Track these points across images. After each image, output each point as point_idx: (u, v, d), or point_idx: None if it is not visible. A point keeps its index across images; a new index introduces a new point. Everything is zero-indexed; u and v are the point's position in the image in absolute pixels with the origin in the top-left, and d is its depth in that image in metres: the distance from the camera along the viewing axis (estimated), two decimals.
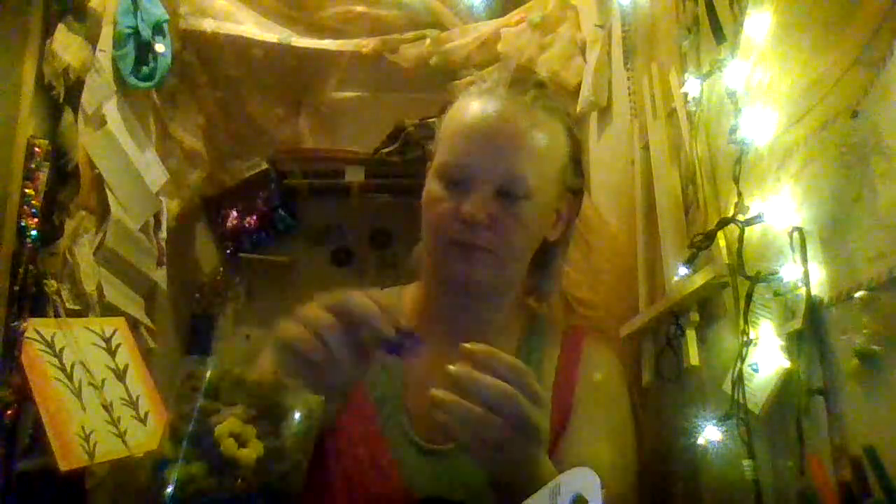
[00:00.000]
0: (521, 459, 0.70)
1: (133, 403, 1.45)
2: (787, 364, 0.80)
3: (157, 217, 1.84)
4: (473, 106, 0.93)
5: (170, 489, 0.85)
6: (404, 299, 1.05)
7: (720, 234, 0.94)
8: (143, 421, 1.45)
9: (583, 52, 1.71)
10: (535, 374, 0.87)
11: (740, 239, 0.87)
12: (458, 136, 0.93)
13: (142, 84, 1.74)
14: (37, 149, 1.50)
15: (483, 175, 0.89)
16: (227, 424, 0.92)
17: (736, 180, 0.90)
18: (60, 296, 1.49)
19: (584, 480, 0.65)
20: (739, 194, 0.90)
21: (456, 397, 0.67)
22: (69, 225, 1.57)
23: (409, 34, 1.98)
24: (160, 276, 1.84)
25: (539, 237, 0.96)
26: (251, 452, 0.90)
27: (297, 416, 0.95)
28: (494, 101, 0.92)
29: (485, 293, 0.95)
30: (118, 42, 1.68)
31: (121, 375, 1.46)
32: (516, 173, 0.89)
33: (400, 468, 0.90)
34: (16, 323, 1.36)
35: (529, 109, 0.91)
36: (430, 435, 0.91)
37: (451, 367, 0.69)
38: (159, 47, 1.76)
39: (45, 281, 1.48)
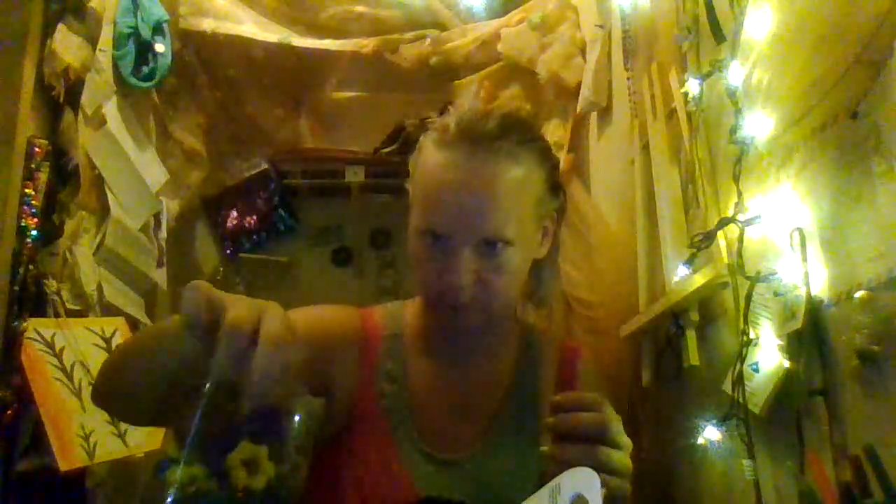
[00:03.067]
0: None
1: None
2: (787, 364, 0.80)
3: (157, 217, 1.84)
4: (440, 161, 0.91)
5: (170, 490, 0.85)
6: (406, 316, 1.05)
7: (720, 234, 0.94)
8: None
9: (583, 52, 1.71)
10: (530, 396, 0.93)
11: (740, 239, 0.87)
12: (431, 198, 0.92)
13: (142, 84, 1.74)
14: (37, 149, 1.50)
15: (461, 235, 0.89)
16: (239, 452, 0.93)
17: (736, 180, 0.90)
18: (60, 296, 1.49)
19: (584, 480, 0.65)
20: (739, 194, 0.90)
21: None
22: (69, 225, 1.57)
23: (409, 34, 1.98)
24: (160, 276, 1.84)
25: (528, 264, 0.96)
26: (262, 480, 0.91)
27: (296, 417, 0.95)
28: (459, 154, 0.90)
29: (478, 329, 0.96)
30: (118, 42, 1.68)
31: None
32: (494, 229, 0.88)
33: (412, 478, 0.91)
34: (16, 323, 1.36)
35: (496, 155, 0.89)
36: (440, 445, 0.93)
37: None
38: (159, 47, 1.76)
39: (45, 281, 1.47)
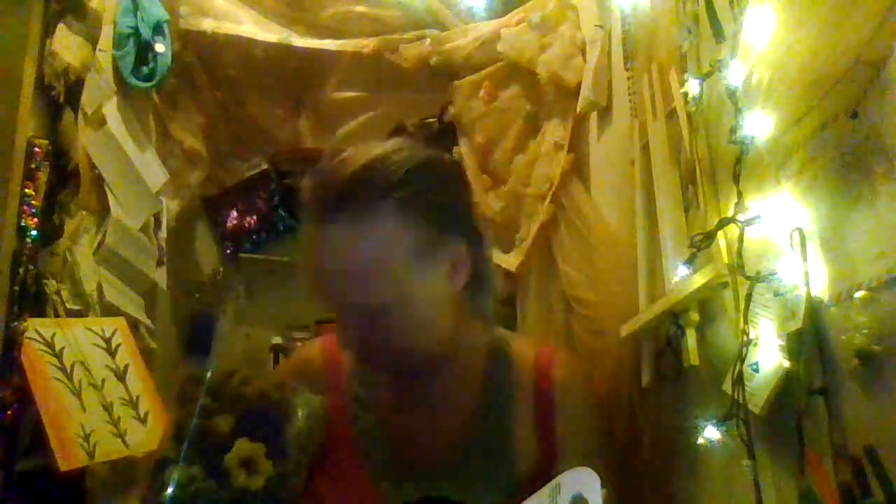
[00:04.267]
0: None
1: (133, 403, 1.45)
2: (787, 364, 0.80)
3: (157, 217, 1.84)
4: (303, 231, 0.90)
5: (170, 490, 0.85)
6: None
7: (720, 234, 0.94)
8: (143, 421, 1.45)
9: (583, 52, 1.71)
10: (504, 419, 0.92)
11: (740, 239, 0.87)
12: (307, 275, 0.91)
13: (142, 84, 1.74)
14: (37, 149, 1.50)
15: (339, 309, 0.89)
16: (237, 451, 0.94)
17: (736, 180, 0.90)
18: (60, 296, 1.49)
19: (584, 480, 0.65)
20: (739, 194, 0.90)
21: None
22: (69, 225, 1.57)
23: (409, 34, 1.98)
24: (160, 276, 1.84)
25: (438, 302, 0.90)
26: (261, 479, 0.92)
27: (298, 415, 0.95)
28: (314, 224, 0.87)
29: (406, 365, 0.95)
30: (118, 42, 1.68)
31: (121, 375, 1.46)
32: (365, 302, 0.86)
33: (385, 500, 0.93)
34: (16, 323, 1.36)
35: (348, 223, 0.84)
36: (412, 466, 0.94)
37: None
38: (159, 47, 1.76)
39: (45, 281, 1.47)
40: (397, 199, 0.85)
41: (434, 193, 0.88)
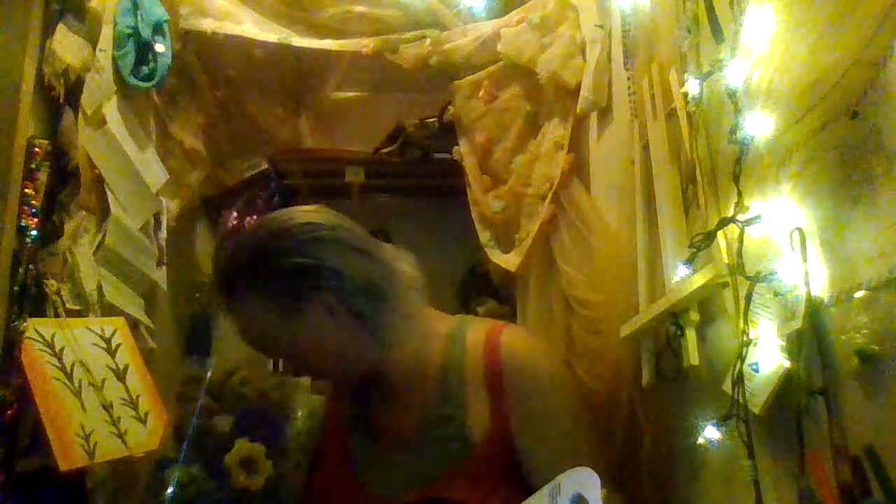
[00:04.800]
0: None
1: (133, 403, 1.45)
2: (787, 364, 0.80)
3: (157, 217, 1.84)
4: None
5: (170, 490, 0.85)
6: None
7: (720, 234, 0.94)
8: (143, 421, 1.45)
9: (583, 52, 1.71)
10: (459, 397, 1.01)
11: (740, 239, 0.87)
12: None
13: (142, 84, 1.74)
14: (37, 149, 1.50)
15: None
16: (237, 450, 0.95)
17: (736, 180, 0.90)
18: (60, 296, 1.48)
19: (584, 480, 0.65)
20: (739, 194, 0.90)
21: None
22: (69, 225, 1.56)
23: (409, 34, 1.97)
24: (160, 276, 1.84)
25: (329, 343, 1.03)
26: (261, 479, 0.94)
27: (298, 415, 0.96)
28: (233, 312, 1.05)
29: (350, 378, 1.11)
30: (118, 42, 1.68)
31: (121, 375, 1.46)
32: (271, 356, 1.09)
33: (357, 466, 1.05)
34: (16, 323, 1.36)
35: (238, 304, 1.03)
36: (384, 435, 1.06)
37: None
38: (159, 47, 1.76)
39: (45, 281, 1.47)
40: (268, 288, 1.01)
41: (283, 270, 1.01)
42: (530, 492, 0.80)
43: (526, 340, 1.12)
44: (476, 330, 1.09)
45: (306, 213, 1.07)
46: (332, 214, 1.09)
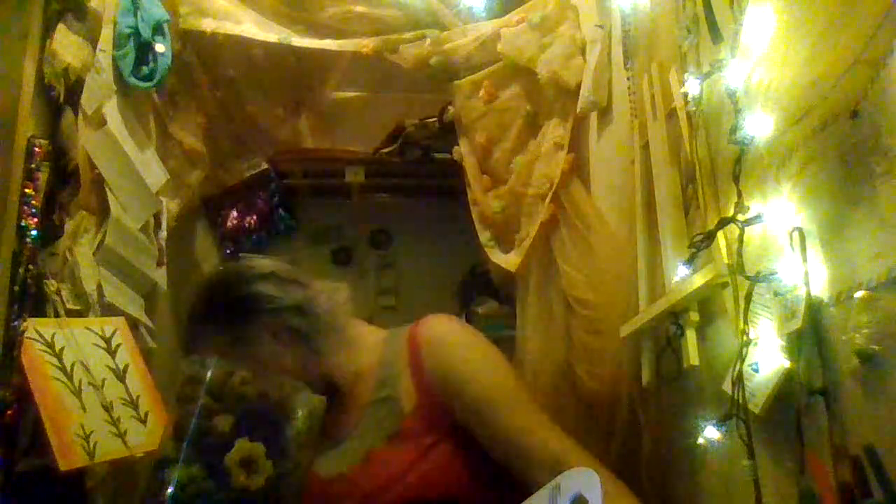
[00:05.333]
0: None
1: (133, 403, 1.45)
2: (787, 364, 0.80)
3: (157, 217, 1.84)
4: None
5: (170, 490, 0.85)
6: None
7: (720, 234, 0.94)
8: (143, 421, 1.45)
9: (583, 52, 1.71)
10: (390, 382, 1.14)
11: (740, 239, 0.87)
12: None
13: (142, 84, 1.74)
14: (37, 149, 1.50)
15: None
16: (237, 450, 0.95)
17: (736, 180, 0.90)
18: (60, 296, 1.48)
19: (584, 480, 0.65)
20: (739, 194, 0.90)
21: None
22: (69, 225, 1.56)
23: (409, 34, 1.97)
24: (160, 276, 1.84)
25: (285, 363, 1.18)
26: (261, 479, 0.94)
27: (298, 415, 0.96)
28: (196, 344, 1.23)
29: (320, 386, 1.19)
30: (118, 42, 1.67)
31: (121, 375, 1.46)
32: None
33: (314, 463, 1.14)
34: (16, 323, 1.36)
35: (210, 334, 1.21)
36: (334, 433, 1.16)
37: None
38: (159, 47, 1.76)
39: (45, 281, 1.47)
40: (205, 319, 1.22)
41: (229, 303, 1.20)
42: (474, 443, 1.00)
43: (440, 319, 1.21)
44: (405, 329, 1.22)
45: (247, 259, 1.28)
46: (268, 257, 1.29)
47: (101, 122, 1.62)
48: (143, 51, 1.73)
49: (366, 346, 1.24)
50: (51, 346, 1.36)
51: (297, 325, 1.17)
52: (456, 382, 1.07)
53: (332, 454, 1.12)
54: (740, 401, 0.86)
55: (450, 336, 1.14)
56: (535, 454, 0.98)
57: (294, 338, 1.19)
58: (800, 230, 0.78)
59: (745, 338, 0.86)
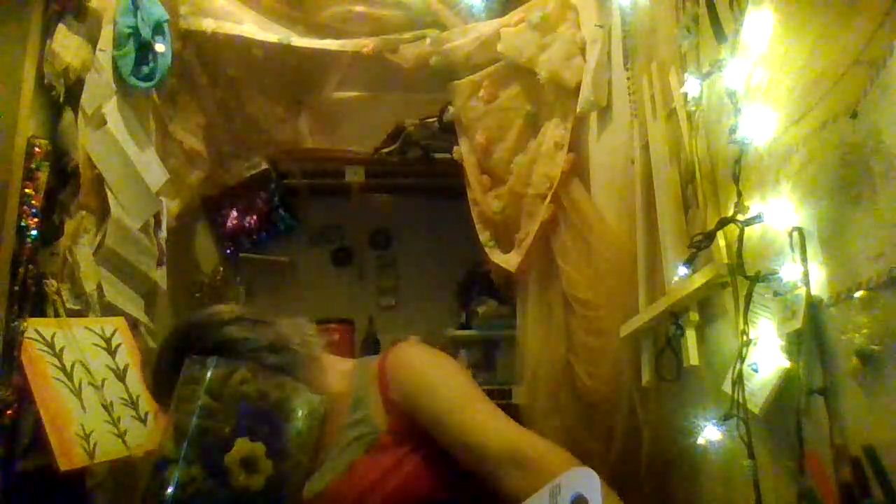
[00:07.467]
0: None
1: (133, 403, 1.45)
2: (787, 364, 0.80)
3: (157, 217, 1.84)
4: None
5: (170, 490, 0.84)
6: None
7: (720, 234, 0.94)
8: (143, 421, 1.45)
9: (583, 52, 1.71)
10: (363, 405, 1.16)
11: (740, 239, 0.87)
12: None
13: (142, 84, 1.74)
14: (37, 149, 1.50)
15: None
16: (237, 450, 0.95)
17: (736, 180, 0.90)
18: (60, 296, 1.48)
19: (584, 480, 0.65)
20: (739, 194, 0.90)
21: None
22: (69, 225, 1.56)
23: (409, 34, 1.98)
24: (160, 276, 1.84)
25: None
26: (261, 479, 0.94)
27: (298, 415, 0.96)
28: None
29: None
30: (118, 42, 1.67)
31: (121, 375, 1.46)
32: None
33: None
34: (16, 323, 1.35)
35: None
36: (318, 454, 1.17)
37: None
38: (159, 47, 1.76)
39: (45, 281, 1.47)
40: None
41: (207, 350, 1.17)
42: (446, 453, 1.03)
43: (404, 347, 1.23)
44: (375, 358, 1.24)
45: (209, 308, 1.27)
46: (230, 305, 1.29)
47: (101, 122, 1.62)
48: (143, 51, 1.73)
49: (339, 372, 1.26)
50: (51, 346, 1.36)
51: (274, 362, 1.17)
52: (414, 397, 1.11)
53: (315, 476, 1.14)
54: (740, 401, 0.86)
55: (408, 358, 1.18)
56: (491, 446, 0.99)
57: (273, 375, 1.22)
58: (800, 230, 0.78)
59: (744, 338, 0.86)
